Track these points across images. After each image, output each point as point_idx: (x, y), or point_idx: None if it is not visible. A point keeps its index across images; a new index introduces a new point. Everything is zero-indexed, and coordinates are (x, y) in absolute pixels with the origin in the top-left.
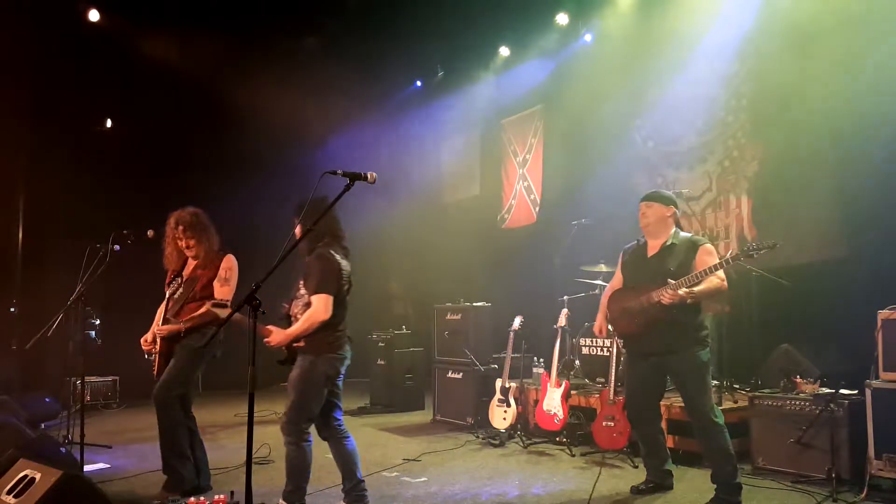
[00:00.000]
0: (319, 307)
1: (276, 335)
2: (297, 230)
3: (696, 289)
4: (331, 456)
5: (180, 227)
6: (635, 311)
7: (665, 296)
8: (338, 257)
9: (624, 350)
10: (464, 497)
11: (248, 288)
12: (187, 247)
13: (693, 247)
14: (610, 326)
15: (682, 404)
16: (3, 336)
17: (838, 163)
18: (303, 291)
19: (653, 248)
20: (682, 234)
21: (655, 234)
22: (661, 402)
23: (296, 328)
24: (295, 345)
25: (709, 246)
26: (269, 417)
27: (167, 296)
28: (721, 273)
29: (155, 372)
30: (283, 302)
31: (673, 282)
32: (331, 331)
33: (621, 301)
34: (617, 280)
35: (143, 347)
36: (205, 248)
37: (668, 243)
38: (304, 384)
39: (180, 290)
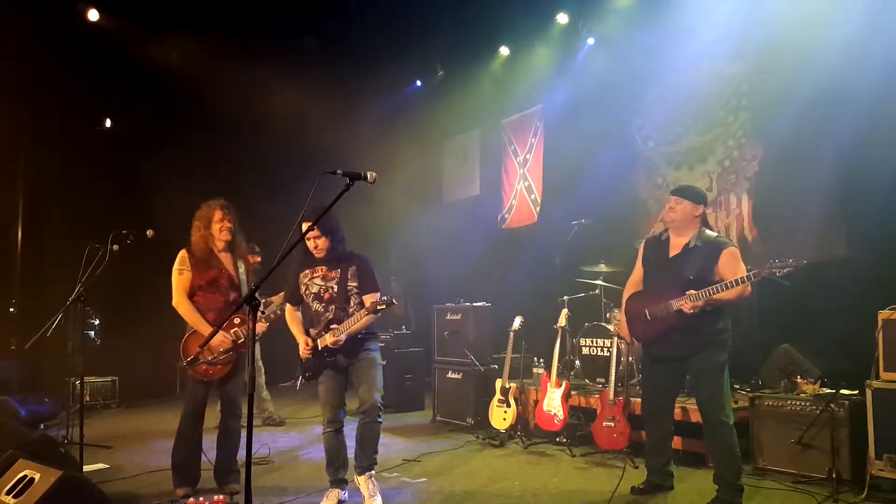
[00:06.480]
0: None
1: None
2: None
3: (716, 296)
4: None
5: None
6: (653, 318)
7: (685, 306)
8: None
9: (642, 352)
10: (464, 497)
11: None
12: None
13: (716, 250)
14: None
15: (686, 405)
16: (3, 336)
17: (838, 163)
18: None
19: (675, 246)
20: (707, 233)
21: (680, 230)
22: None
23: (364, 321)
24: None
25: (733, 249)
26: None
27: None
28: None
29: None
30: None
31: (693, 292)
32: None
33: (639, 305)
34: (637, 274)
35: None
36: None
37: (691, 245)
38: (379, 369)
39: None
